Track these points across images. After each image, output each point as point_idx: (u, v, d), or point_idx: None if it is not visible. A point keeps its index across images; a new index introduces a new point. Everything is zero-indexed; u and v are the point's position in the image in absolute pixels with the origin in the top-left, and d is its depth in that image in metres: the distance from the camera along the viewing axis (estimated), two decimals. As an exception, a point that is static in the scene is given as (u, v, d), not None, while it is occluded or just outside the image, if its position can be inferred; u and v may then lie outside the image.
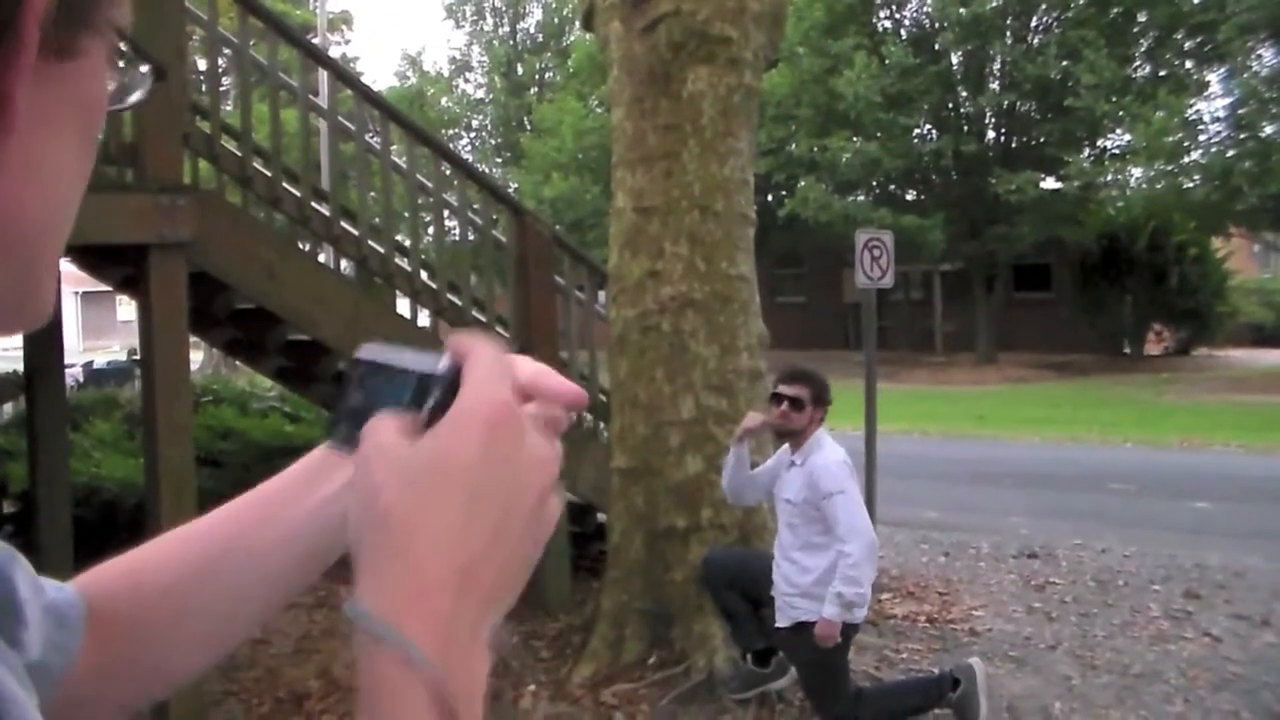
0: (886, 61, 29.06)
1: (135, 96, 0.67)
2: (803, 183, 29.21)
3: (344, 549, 0.80)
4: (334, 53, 33.93)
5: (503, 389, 0.63)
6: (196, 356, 21.22)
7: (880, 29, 32.26)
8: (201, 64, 16.00)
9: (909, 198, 32.12)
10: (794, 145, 30.26)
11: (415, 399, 0.65)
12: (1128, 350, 31.78)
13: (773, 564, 5.53)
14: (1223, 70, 27.35)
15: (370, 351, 0.70)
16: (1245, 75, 25.62)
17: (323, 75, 8.27)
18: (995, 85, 30.40)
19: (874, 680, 6.23)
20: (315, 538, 0.83)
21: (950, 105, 30.99)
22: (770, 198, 30.98)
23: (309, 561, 0.84)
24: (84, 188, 0.64)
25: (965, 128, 30.62)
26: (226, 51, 7.86)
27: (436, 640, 0.58)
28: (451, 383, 0.64)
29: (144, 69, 0.67)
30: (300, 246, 7.66)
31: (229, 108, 11.77)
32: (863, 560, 5.07)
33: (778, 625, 5.48)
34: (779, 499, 5.54)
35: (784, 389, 5.44)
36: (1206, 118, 27.47)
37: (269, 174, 7.19)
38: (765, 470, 5.74)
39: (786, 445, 5.55)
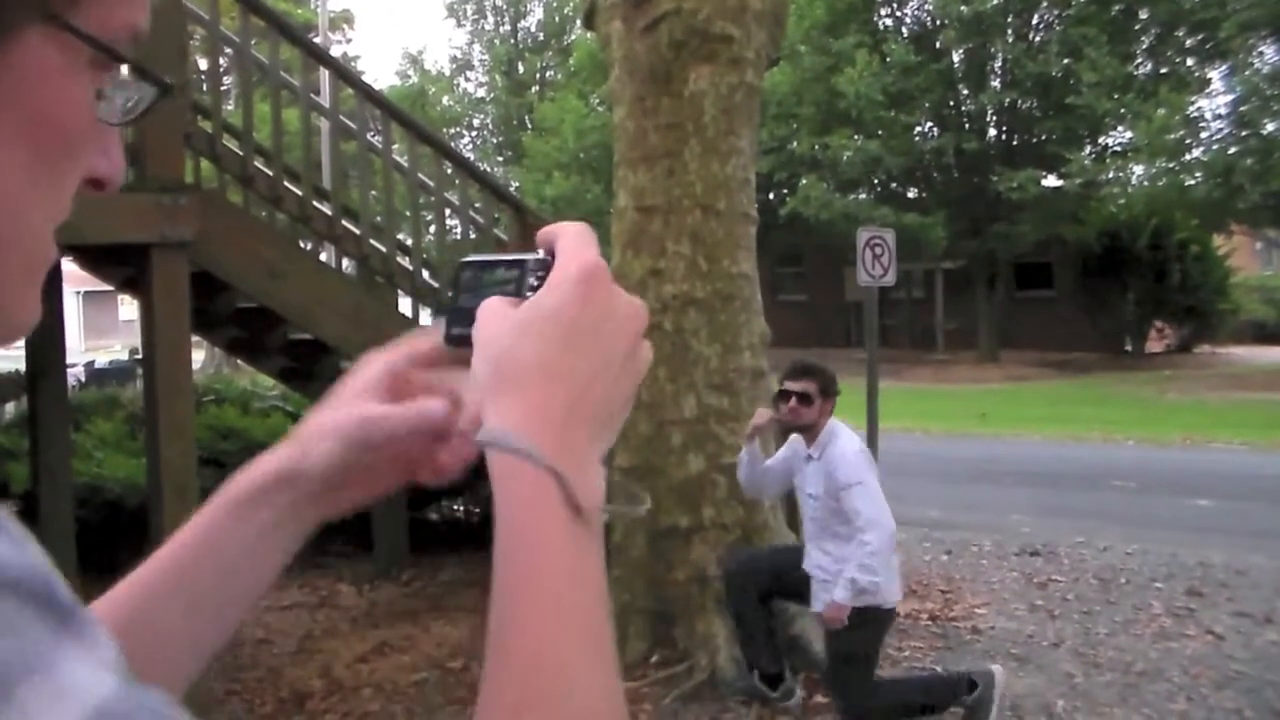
0: (888, 59, 29.06)
1: (140, 111, 0.66)
2: (804, 181, 29.19)
3: (269, 581, 0.87)
4: (335, 52, 33.96)
5: (592, 251, 0.73)
6: (198, 356, 21.21)
7: (881, 27, 32.25)
8: (203, 63, 16.00)
9: (910, 196, 32.09)
10: (795, 143, 30.25)
11: (518, 285, 0.75)
12: (1129, 348, 31.81)
13: (803, 553, 5.57)
14: (1224, 67, 27.34)
15: (473, 257, 0.80)
16: (1247, 72, 25.60)
17: (324, 74, 8.27)
18: (996, 83, 30.39)
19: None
20: (239, 575, 0.84)
21: (952, 103, 30.99)
22: (772, 196, 30.95)
23: (240, 601, 0.85)
24: (57, 201, 0.62)
25: (967, 125, 30.60)
26: (228, 51, 7.85)
27: (553, 450, 0.67)
28: (547, 266, 0.73)
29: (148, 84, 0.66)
30: (302, 246, 7.66)
31: (230, 107, 11.78)
32: (881, 549, 5.11)
33: (814, 610, 5.50)
34: (802, 493, 5.59)
35: (790, 385, 5.45)
36: (1208, 115, 27.47)
37: (271, 173, 7.20)
38: (779, 461, 5.75)
39: (801, 437, 5.56)
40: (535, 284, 0.73)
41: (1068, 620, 7.51)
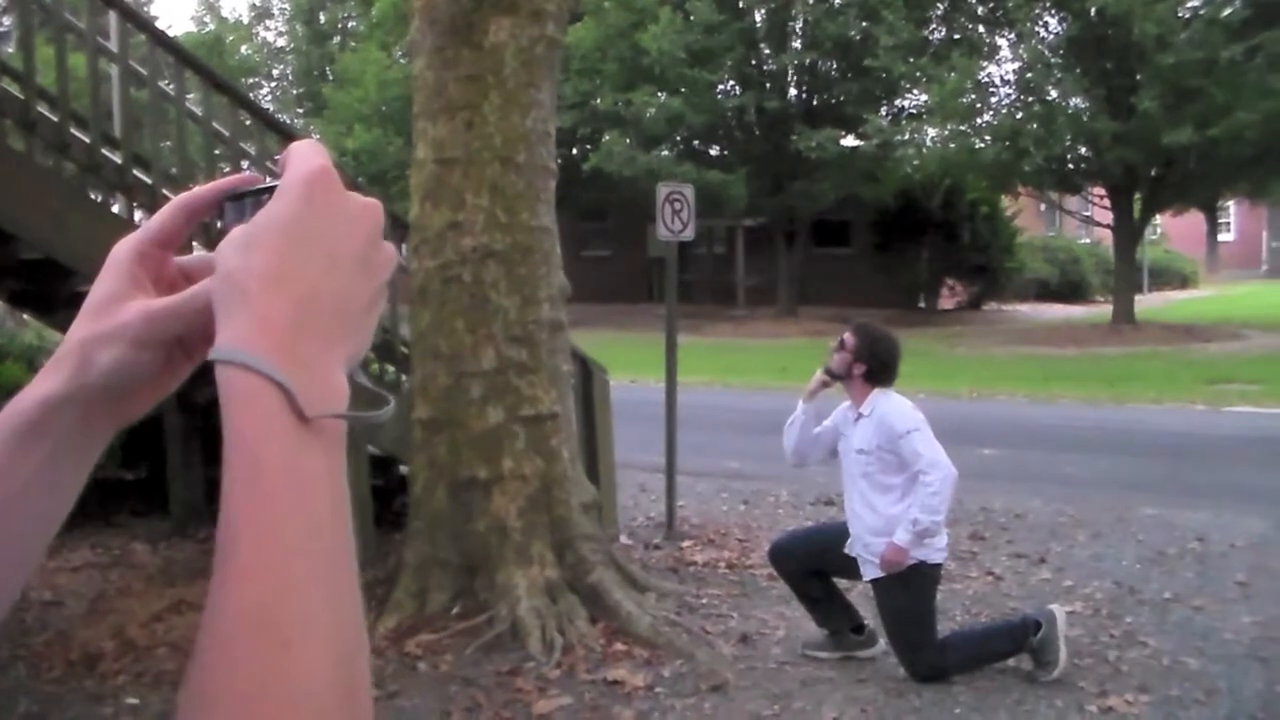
0: (691, 17, 29.22)
1: None
2: (607, 137, 29.29)
3: (67, 509, 0.80)
4: (124, -5, 32.57)
5: (318, 157, 0.73)
6: (-21, 311, 20.22)
7: (686, -15, 32.42)
8: (-20, 3, 15.21)
9: (713, 153, 32.46)
10: (599, 99, 30.28)
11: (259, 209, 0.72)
12: (923, 304, 32.93)
13: (847, 523, 5.73)
14: (1011, 35, 28.30)
15: (238, 189, 0.80)
16: (1032, 41, 26.60)
17: (113, 17, 7.97)
18: (798, 43, 30.93)
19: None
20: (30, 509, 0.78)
21: (754, 62, 31.38)
22: (575, 151, 30.97)
23: (33, 539, 0.79)
24: None
25: (768, 85, 31.05)
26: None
27: (281, 359, 0.65)
28: None
29: None
30: (91, 196, 7.40)
31: (10, 50, 11.24)
32: (942, 490, 5.31)
33: (866, 578, 5.65)
34: (848, 454, 5.73)
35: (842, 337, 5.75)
36: (997, 80, 28.46)
37: (56, 119, 6.93)
38: (827, 430, 5.93)
39: (849, 403, 5.78)
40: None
41: (857, 564, 7.79)
